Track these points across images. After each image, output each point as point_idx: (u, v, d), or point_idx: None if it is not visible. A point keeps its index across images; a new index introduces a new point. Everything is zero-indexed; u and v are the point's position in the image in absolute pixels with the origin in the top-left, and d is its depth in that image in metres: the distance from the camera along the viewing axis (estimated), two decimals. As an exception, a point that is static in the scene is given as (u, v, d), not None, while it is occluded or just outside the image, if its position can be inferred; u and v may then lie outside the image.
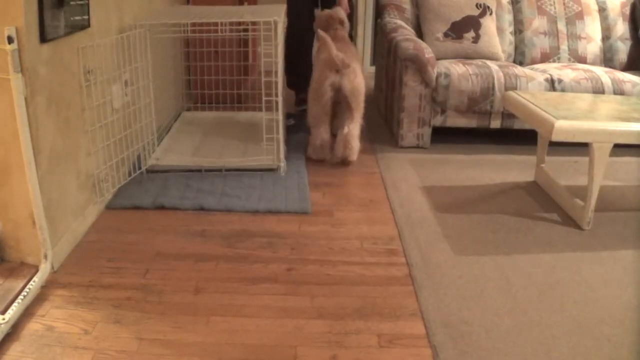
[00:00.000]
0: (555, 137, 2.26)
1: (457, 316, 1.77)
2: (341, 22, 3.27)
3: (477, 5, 3.53)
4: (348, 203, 2.54)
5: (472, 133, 3.45)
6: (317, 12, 3.36)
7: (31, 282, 1.83)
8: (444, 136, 3.36)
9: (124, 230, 2.27)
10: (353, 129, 2.89)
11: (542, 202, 2.60)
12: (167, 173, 2.76)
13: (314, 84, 2.89)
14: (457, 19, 3.51)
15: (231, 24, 2.72)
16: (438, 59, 3.38)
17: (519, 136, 3.32)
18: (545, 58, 3.61)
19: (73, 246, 2.12)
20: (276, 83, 2.71)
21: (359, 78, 2.86)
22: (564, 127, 2.24)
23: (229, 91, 3.62)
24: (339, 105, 2.93)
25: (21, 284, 1.82)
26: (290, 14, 3.49)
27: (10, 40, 1.71)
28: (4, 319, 1.63)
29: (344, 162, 2.94)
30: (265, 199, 2.53)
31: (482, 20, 3.51)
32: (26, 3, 1.74)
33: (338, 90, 2.83)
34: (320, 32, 2.85)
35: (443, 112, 3.22)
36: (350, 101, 2.84)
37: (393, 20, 3.69)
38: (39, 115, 1.87)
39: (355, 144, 2.91)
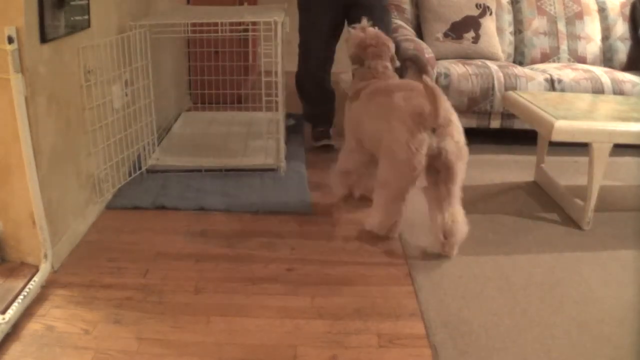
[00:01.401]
0: (555, 137, 2.26)
1: (457, 316, 1.77)
2: (392, 57, 2.46)
3: (477, 6, 3.53)
4: (348, 203, 2.54)
5: (472, 133, 3.41)
6: (352, 31, 2.51)
7: (31, 282, 1.83)
8: (444, 136, 3.35)
9: (124, 230, 2.27)
10: (459, 212, 2.07)
11: (542, 202, 2.60)
12: (167, 173, 2.75)
13: (396, 151, 2.00)
14: (457, 19, 3.51)
15: (231, 24, 2.72)
16: (438, 59, 3.38)
17: (519, 136, 3.32)
18: (545, 58, 3.61)
19: (73, 246, 2.12)
20: (276, 83, 2.71)
21: (462, 135, 2.04)
22: (564, 127, 2.24)
23: (229, 91, 3.62)
24: (431, 176, 2.06)
25: (21, 284, 1.82)
26: (305, 30, 3.05)
27: (10, 40, 1.71)
28: (4, 319, 1.63)
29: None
30: (265, 199, 2.53)
31: (482, 21, 3.51)
32: (26, 3, 1.74)
33: (435, 157, 1.99)
34: (427, 79, 1.93)
35: (443, 112, 3.22)
36: (453, 171, 2.02)
37: (393, 20, 3.69)
38: (39, 115, 1.87)
39: (461, 234, 2.08)
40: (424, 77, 1.97)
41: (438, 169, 2.01)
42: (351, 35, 2.50)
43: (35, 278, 1.85)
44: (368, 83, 2.35)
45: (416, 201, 2.56)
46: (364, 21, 2.47)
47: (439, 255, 2.11)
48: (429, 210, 2.11)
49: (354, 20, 2.74)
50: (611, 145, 2.25)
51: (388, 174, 2.09)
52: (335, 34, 3.05)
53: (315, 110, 3.25)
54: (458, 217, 2.05)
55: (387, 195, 2.14)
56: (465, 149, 2.03)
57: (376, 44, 2.39)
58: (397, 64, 2.50)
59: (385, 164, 2.10)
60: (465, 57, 3.46)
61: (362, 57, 2.41)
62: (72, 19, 2.05)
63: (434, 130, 1.96)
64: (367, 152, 2.34)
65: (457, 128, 2.02)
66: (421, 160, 1.97)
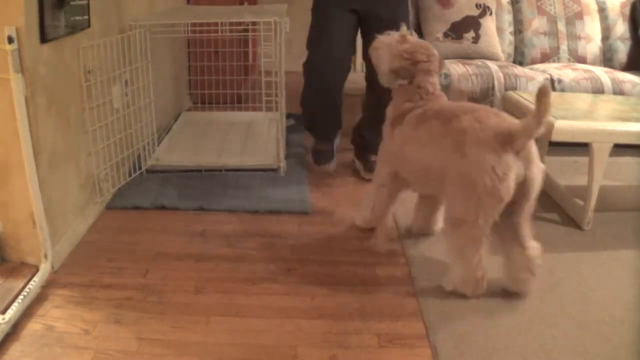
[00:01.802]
0: (555, 137, 2.26)
1: (457, 316, 1.77)
2: (441, 63, 2.07)
3: (477, 6, 3.53)
4: (348, 203, 2.54)
5: (472, 133, 3.44)
6: (385, 40, 2.09)
7: (31, 282, 1.83)
8: (444, 136, 3.35)
9: (124, 230, 2.27)
10: (533, 243, 1.84)
11: (542, 202, 2.59)
12: (167, 173, 2.75)
13: (477, 179, 1.68)
14: (457, 19, 3.51)
15: (231, 24, 2.72)
16: (438, 59, 3.38)
17: (519, 136, 3.31)
18: (545, 58, 3.61)
19: (73, 246, 2.12)
20: (277, 83, 2.71)
21: (538, 157, 1.76)
22: (564, 127, 2.24)
23: (229, 91, 3.62)
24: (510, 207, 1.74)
25: (21, 284, 1.82)
26: (316, 41, 2.68)
27: (10, 40, 1.71)
28: (4, 319, 1.63)
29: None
30: (265, 199, 2.53)
31: (482, 21, 3.51)
32: (26, 3, 1.74)
33: (521, 186, 1.72)
34: (546, 86, 1.65)
35: (443, 112, 3.22)
36: (533, 200, 1.78)
37: (393, 20, 3.68)
38: (39, 115, 1.87)
39: (535, 268, 1.84)
40: (546, 85, 1.68)
41: (514, 199, 1.72)
42: (387, 44, 2.07)
43: (35, 278, 1.85)
44: (414, 106, 1.98)
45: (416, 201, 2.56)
46: (404, 28, 2.08)
47: (439, 256, 2.11)
48: (503, 247, 1.84)
49: (372, 22, 2.52)
50: (611, 145, 2.25)
51: (465, 210, 1.72)
52: (354, 38, 2.72)
53: (322, 120, 2.86)
54: (536, 251, 1.83)
55: (465, 238, 1.76)
56: (543, 173, 1.76)
57: (427, 58, 2.00)
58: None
59: (459, 198, 1.74)
60: (465, 57, 3.46)
61: (410, 73, 1.99)
62: (72, 19, 2.05)
63: (518, 153, 1.68)
64: (400, 187, 2.09)
65: (536, 151, 1.74)
66: (510, 188, 1.66)
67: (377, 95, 2.48)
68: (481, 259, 1.78)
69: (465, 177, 1.71)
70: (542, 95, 1.63)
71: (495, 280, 1.97)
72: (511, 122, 1.72)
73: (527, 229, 1.81)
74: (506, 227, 1.79)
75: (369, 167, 2.72)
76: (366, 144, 2.80)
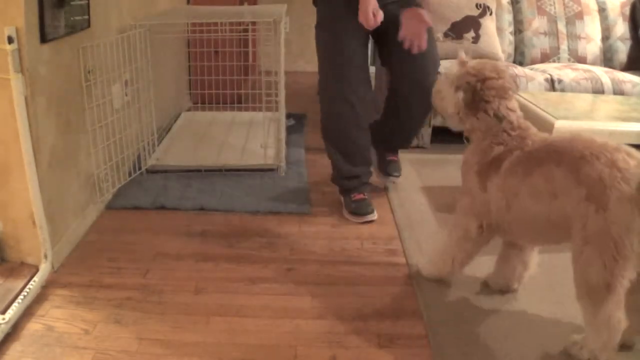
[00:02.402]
0: (555, 137, 2.25)
1: (457, 316, 1.77)
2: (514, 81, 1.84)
3: (477, 6, 3.53)
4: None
5: (472, 133, 3.44)
6: (443, 75, 1.84)
7: (31, 282, 1.83)
8: (444, 136, 3.35)
9: (124, 230, 2.27)
10: None
11: (542, 202, 2.59)
12: (167, 173, 2.76)
13: (619, 241, 1.41)
14: (457, 19, 3.51)
15: (231, 24, 2.72)
16: (438, 59, 3.38)
17: (519, 136, 3.31)
18: (545, 58, 3.61)
19: (73, 246, 2.12)
20: (276, 83, 2.71)
21: None
22: (564, 127, 2.24)
23: (229, 91, 3.62)
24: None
25: (21, 284, 1.82)
26: (327, 63, 2.29)
27: (10, 40, 1.71)
28: (4, 319, 1.63)
29: None
30: (265, 199, 2.53)
31: (482, 21, 3.51)
32: (26, 3, 1.74)
33: None
34: None
35: (443, 112, 3.22)
36: None
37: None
38: (39, 115, 1.87)
39: None
40: None
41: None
42: (446, 75, 1.80)
43: (35, 278, 1.85)
44: (508, 148, 1.66)
45: (416, 201, 2.56)
46: (462, 53, 1.80)
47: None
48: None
49: (386, 35, 2.27)
50: (611, 145, 2.24)
51: (607, 274, 1.44)
52: (366, 56, 2.38)
53: (354, 165, 2.38)
54: None
55: (610, 306, 1.46)
56: None
57: (497, 74, 1.69)
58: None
59: (598, 260, 1.45)
60: (465, 57, 3.46)
61: (478, 92, 1.68)
62: (72, 18, 2.05)
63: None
64: (489, 239, 1.80)
65: None
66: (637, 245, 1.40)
67: (408, 101, 2.31)
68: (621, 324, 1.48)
69: (609, 235, 1.42)
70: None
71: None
72: None
73: None
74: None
75: (353, 210, 2.37)
76: (385, 140, 2.55)
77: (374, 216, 2.36)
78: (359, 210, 2.35)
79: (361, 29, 2.19)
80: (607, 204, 1.42)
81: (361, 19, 2.12)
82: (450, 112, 1.78)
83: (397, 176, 2.63)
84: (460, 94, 1.70)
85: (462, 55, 1.78)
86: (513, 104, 1.70)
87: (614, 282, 1.44)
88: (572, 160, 1.51)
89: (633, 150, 1.49)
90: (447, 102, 1.78)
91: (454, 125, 1.83)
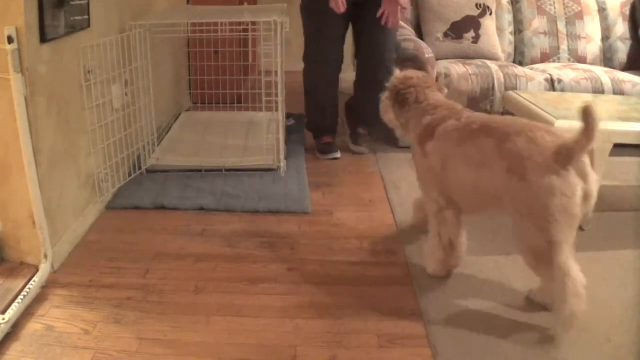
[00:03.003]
0: (555, 137, 2.25)
1: (457, 316, 1.77)
2: (441, 91, 2.08)
3: (477, 5, 3.53)
4: (348, 203, 2.54)
5: (472, 133, 3.44)
6: (403, 73, 2.10)
7: (31, 282, 1.83)
8: (444, 136, 3.35)
9: (124, 230, 2.27)
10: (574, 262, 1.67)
11: (542, 202, 2.60)
12: (167, 173, 2.75)
13: (554, 204, 1.60)
14: (457, 19, 3.51)
15: (231, 24, 2.72)
16: (438, 59, 3.38)
17: (519, 136, 3.31)
18: (545, 58, 3.61)
19: (73, 246, 2.12)
20: (276, 83, 2.71)
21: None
22: (564, 127, 2.24)
23: (229, 91, 3.61)
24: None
25: (21, 284, 1.82)
26: (310, 37, 2.97)
27: (10, 40, 1.71)
28: (4, 319, 1.63)
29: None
30: (265, 199, 2.53)
31: (482, 21, 3.51)
32: (26, 3, 1.74)
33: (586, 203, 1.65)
34: (589, 106, 1.60)
35: (443, 112, 3.22)
36: (589, 211, 1.71)
37: (393, 20, 3.68)
38: (39, 115, 1.87)
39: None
40: (589, 105, 1.60)
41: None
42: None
43: (35, 278, 1.85)
44: (438, 117, 1.90)
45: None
46: (397, 71, 2.14)
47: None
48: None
49: (362, 18, 2.88)
50: (611, 145, 2.24)
51: (544, 235, 1.63)
52: (344, 35, 3.00)
53: (324, 118, 3.10)
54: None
55: (562, 260, 1.63)
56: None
57: (417, 77, 2.04)
58: (445, 92, 2.10)
59: (532, 225, 1.65)
60: (465, 57, 3.46)
61: (404, 92, 2.00)
62: (72, 19, 2.05)
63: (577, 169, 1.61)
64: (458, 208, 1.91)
65: (589, 161, 1.67)
66: (579, 205, 1.61)
67: (372, 72, 2.90)
68: (580, 277, 1.64)
69: (533, 204, 1.62)
70: (586, 115, 1.59)
71: (495, 280, 1.97)
72: (565, 139, 1.63)
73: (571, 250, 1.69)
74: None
75: (322, 149, 3.11)
76: (358, 114, 3.17)
77: (337, 155, 3.08)
78: (325, 150, 3.09)
79: (338, 14, 2.77)
80: (526, 175, 1.62)
81: (332, 5, 2.74)
82: (392, 119, 2.08)
83: (366, 151, 3.16)
84: (392, 101, 2.04)
85: (397, 72, 2.12)
86: (434, 92, 2.01)
87: (553, 241, 1.61)
88: (499, 135, 1.71)
89: (554, 129, 1.72)
90: (389, 113, 2.09)
91: (398, 129, 2.11)
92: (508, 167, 1.67)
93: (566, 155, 1.60)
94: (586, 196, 1.63)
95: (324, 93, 3.04)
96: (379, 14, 2.76)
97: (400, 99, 2.00)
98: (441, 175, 1.86)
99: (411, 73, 2.06)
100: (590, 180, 1.64)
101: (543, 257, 1.65)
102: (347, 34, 3.04)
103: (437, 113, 1.92)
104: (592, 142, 1.58)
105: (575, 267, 1.64)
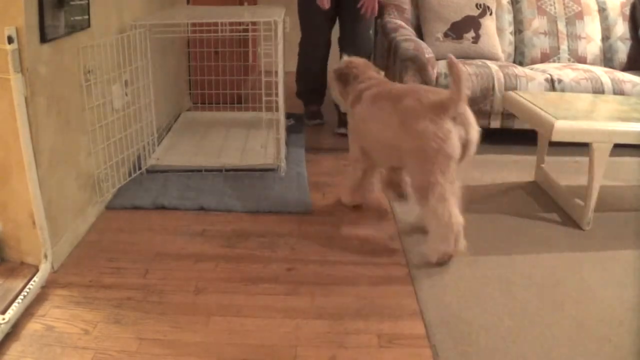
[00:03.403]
0: (555, 137, 2.26)
1: (457, 316, 1.77)
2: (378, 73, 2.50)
3: (477, 5, 3.53)
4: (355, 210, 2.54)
5: (472, 133, 3.44)
6: (348, 59, 2.55)
7: (31, 282, 1.83)
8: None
9: (124, 230, 2.27)
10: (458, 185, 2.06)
11: (542, 202, 2.60)
12: (167, 173, 2.76)
13: (432, 145, 1.94)
14: (457, 19, 3.51)
15: (231, 24, 2.72)
16: (438, 59, 3.38)
17: (519, 136, 3.32)
18: (545, 58, 3.61)
19: (73, 246, 2.12)
20: (276, 83, 2.71)
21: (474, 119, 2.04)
22: (564, 127, 2.24)
23: (229, 91, 3.62)
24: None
25: (21, 284, 1.82)
26: (304, 27, 3.45)
27: (10, 40, 1.71)
28: (4, 319, 1.63)
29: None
30: (265, 199, 2.53)
31: (482, 21, 3.51)
32: (26, 3, 1.74)
33: (465, 147, 2.00)
34: (451, 57, 1.93)
35: (443, 112, 3.22)
36: (469, 155, 2.03)
37: (393, 20, 3.69)
38: (39, 115, 1.87)
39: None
40: (450, 56, 1.94)
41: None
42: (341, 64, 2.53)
43: (35, 278, 1.85)
44: (365, 85, 2.30)
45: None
46: (345, 57, 2.58)
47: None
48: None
49: (344, 12, 3.36)
50: (611, 145, 2.25)
51: (426, 175, 1.97)
52: (332, 26, 3.47)
53: (312, 86, 3.59)
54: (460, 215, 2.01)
55: (434, 200, 1.95)
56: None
57: (356, 62, 2.45)
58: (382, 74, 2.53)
59: (417, 167, 2.01)
60: (465, 57, 3.46)
61: (344, 78, 2.41)
62: (72, 18, 2.05)
63: (454, 118, 1.96)
64: (370, 160, 2.35)
65: (473, 116, 2.02)
66: (455, 147, 1.93)
67: (346, 50, 3.21)
68: (452, 215, 1.97)
69: (416, 148, 1.99)
70: (450, 67, 1.93)
71: (495, 280, 1.97)
72: (443, 95, 1.99)
73: (457, 194, 2.06)
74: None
75: (309, 115, 3.64)
76: (307, 100, 3.70)
77: (323, 122, 3.63)
78: (311, 116, 3.62)
79: (324, 10, 3.27)
80: (411, 124, 2.00)
81: (317, 2, 3.22)
82: (337, 95, 2.49)
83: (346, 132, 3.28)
84: (337, 80, 2.45)
85: (345, 57, 2.55)
86: (370, 72, 2.41)
87: (434, 180, 1.95)
88: (396, 97, 2.11)
89: (443, 91, 2.03)
90: (334, 90, 2.50)
91: (342, 104, 2.50)
92: (399, 121, 2.05)
93: (441, 107, 1.95)
94: (466, 142, 1.98)
95: (313, 61, 3.50)
96: (359, 6, 3.22)
97: (343, 78, 2.41)
98: (362, 131, 2.29)
99: (354, 59, 2.48)
100: (470, 130, 1.98)
101: (425, 195, 1.99)
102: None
103: (366, 84, 2.32)
104: (461, 95, 1.92)
105: (446, 208, 1.96)
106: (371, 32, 3.50)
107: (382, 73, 2.55)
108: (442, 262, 2.02)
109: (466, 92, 1.94)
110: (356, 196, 2.47)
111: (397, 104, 2.07)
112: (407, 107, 2.03)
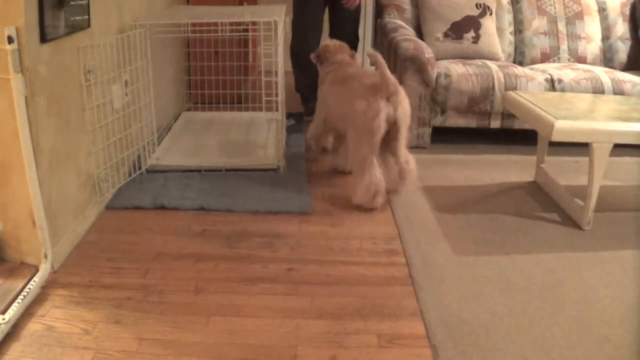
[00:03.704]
0: (555, 137, 2.26)
1: (457, 316, 1.77)
2: (352, 54, 2.95)
3: (477, 5, 3.53)
4: (348, 203, 2.54)
5: (472, 133, 3.45)
6: (326, 42, 2.99)
7: (31, 282, 1.83)
8: (444, 136, 3.36)
9: (124, 230, 2.27)
10: (410, 157, 2.56)
11: (542, 202, 2.60)
12: (167, 173, 2.76)
13: (363, 121, 2.37)
14: (457, 19, 3.51)
15: (231, 24, 2.72)
16: (438, 59, 3.38)
17: (519, 136, 3.32)
18: (545, 58, 3.61)
19: (73, 246, 2.12)
20: (276, 83, 2.71)
21: (407, 100, 2.48)
22: (564, 127, 2.24)
23: (229, 91, 3.62)
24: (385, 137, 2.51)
25: (21, 284, 1.82)
26: (296, 20, 3.55)
27: (10, 40, 1.71)
28: (4, 319, 1.63)
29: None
30: (265, 199, 2.53)
31: (482, 20, 3.51)
32: (26, 3, 1.74)
33: (392, 124, 2.41)
34: (373, 53, 2.46)
35: (443, 112, 3.22)
36: (403, 130, 2.46)
37: (393, 20, 3.69)
38: (39, 115, 1.87)
39: (413, 173, 2.58)
40: (370, 50, 2.49)
41: (390, 131, 2.45)
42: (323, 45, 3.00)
43: (35, 278, 1.85)
44: (332, 68, 2.77)
45: (416, 201, 2.57)
46: (327, 40, 3.02)
47: (438, 256, 2.11)
48: (383, 164, 2.53)
49: (333, 6, 3.60)
50: (611, 145, 2.25)
51: (355, 143, 2.47)
52: (322, 18, 3.65)
53: (309, 80, 3.61)
54: (410, 158, 2.55)
55: (358, 162, 2.47)
56: (409, 113, 2.48)
57: (333, 44, 2.91)
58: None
59: (353, 136, 2.48)
60: (465, 57, 3.46)
61: (322, 57, 2.90)
62: (72, 18, 2.05)
63: (388, 99, 2.38)
64: (328, 126, 2.87)
65: (405, 98, 2.46)
66: (380, 125, 2.37)
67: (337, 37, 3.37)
68: (375, 179, 2.43)
69: (352, 121, 2.44)
70: (371, 57, 2.55)
71: (495, 280, 1.97)
72: (375, 78, 2.41)
73: (402, 149, 2.50)
74: (387, 150, 2.51)
75: (307, 111, 3.64)
76: (305, 97, 3.82)
77: None
78: (310, 112, 3.34)
79: (317, 3, 3.54)
80: (354, 102, 2.41)
81: None
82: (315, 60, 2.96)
83: None
84: (315, 59, 2.94)
85: (327, 41, 2.98)
86: (343, 55, 2.86)
87: (360, 147, 2.43)
88: (345, 80, 2.58)
89: (387, 74, 2.37)
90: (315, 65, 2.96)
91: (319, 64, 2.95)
92: (346, 101, 2.48)
93: (374, 89, 2.37)
94: (395, 120, 2.40)
95: (307, 53, 3.45)
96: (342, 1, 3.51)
97: (321, 59, 2.88)
98: (324, 107, 2.77)
99: (329, 42, 2.93)
100: (399, 109, 2.39)
101: (354, 161, 2.50)
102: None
103: (329, 68, 2.77)
104: (387, 80, 2.36)
105: (367, 173, 2.43)
106: (356, 25, 3.73)
107: (355, 55, 2.96)
108: (361, 207, 2.48)
109: (389, 75, 2.36)
110: (319, 144, 3.00)
111: (345, 86, 2.54)
112: (350, 89, 2.49)
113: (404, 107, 2.43)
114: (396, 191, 2.60)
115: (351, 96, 2.45)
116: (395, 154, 2.51)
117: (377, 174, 2.44)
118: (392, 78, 2.36)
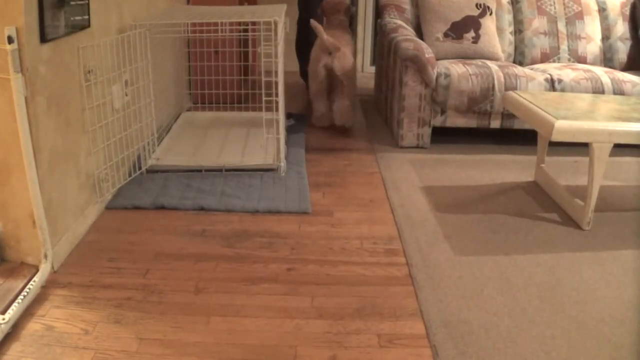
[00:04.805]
0: (555, 137, 2.26)
1: (457, 316, 1.77)
2: (347, 10, 3.78)
3: (477, 5, 3.53)
4: (348, 203, 2.54)
5: (472, 133, 3.45)
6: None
7: (31, 282, 1.83)
8: (444, 136, 3.36)
9: (124, 230, 2.27)
10: (345, 101, 3.43)
11: (542, 202, 2.60)
12: (167, 173, 2.76)
13: (311, 65, 3.42)
14: (457, 19, 3.51)
15: (231, 24, 2.72)
16: (438, 59, 3.38)
17: (519, 136, 3.32)
18: (545, 58, 3.61)
19: (73, 246, 2.12)
20: (276, 83, 2.71)
21: (347, 59, 3.34)
22: (564, 127, 2.24)
23: (229, 91, 3.62)
24: (333, 82, 3.47)
25: (21, 284, 1.82)
26: (299, 5, 4.02)
27: (10, 40, 1.71)
28: (4, 319, 1.63)
29: (344, 128, 3.55)
30: (265, 199, 2.53)
31: (482, 20, 3.51)
32: (26, 3, 1.74)
33: (330, 70, 3.33)
34: (312, 22, 3.29)
35: (443, 112, 3.22)
36: (342, 79, 3.35)
37: (393, 20, 3.69)
38: (39, 115, 1.87)
39: (350, 114, 3.48)
40: (312, 21, 3.30)
41: (333, 78, 3.36)
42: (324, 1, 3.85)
43: (35, 278, 1.85)
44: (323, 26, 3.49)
45: (416, 201, 2.57)
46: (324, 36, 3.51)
47: (439, 256, 2.11)
48: (332, 101, 3.46)
49: None
50: (611, 145, 2.25)
51: (310, 81, 3.51)
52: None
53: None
54: (346, 103, 3.41)
55: (312, 97, 3.54)
56: (348, 67, 3.34)
57: (333, 5, 3.76)
58: (353, 11, 3.91)
59: (310, 77, 3.50)
60: (465, 57, 3.46)
61: (330, 12, 3.74)
62: (72, 18, 2.05)
63: (330, 54, 3.31)
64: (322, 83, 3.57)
65: (343, 54, 3.33)
66: (321, 70, 3.34)
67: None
68: (320, 108, 3.51)
69: (313, 68, 3.40)
70: (314, 28, 3.30)
71: (495, 280, 1.97)
72: (325, 43, 3.29)
73: (341, 94, 3.40)
74: (332, 95, 3.46)
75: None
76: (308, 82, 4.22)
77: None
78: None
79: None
80: (312, 55, 3.43)
81: None
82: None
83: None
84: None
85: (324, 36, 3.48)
86: (335, 15, 3.75)
87: (312, 85, 3.48)
88: (319, 44, 3.40)
89: (322, 37, 3.27)
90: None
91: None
92: (315, 55, 3.41)
93: (320, 47, 3.31)
94: (332, 68, 3.32)
95: (309, 45, 3.79)
96: None
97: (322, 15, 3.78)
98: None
99: (340, 4, 3.77)
100: (334, 61, 3.31)
101: (311, 95, 3.56)
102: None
103: (325, 25, 3.56)
104: (323, 42, 3.27)
105: (315, 102, 3.54)
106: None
107: (350, 9, 3.83)
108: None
109: (326, 38, 3.25)
110: (321, 122, 3.59)
111: (316, 47, 3.43)
112: (315, 48, 3.43)
113: (341, 61, 3.32)
114: (333, 125, 3.53)
115: (312, 51, 3.47)
116: (332, 99, 3.46)
117: (322, 106, 3.51)
118: (328, 40, 3.25)
